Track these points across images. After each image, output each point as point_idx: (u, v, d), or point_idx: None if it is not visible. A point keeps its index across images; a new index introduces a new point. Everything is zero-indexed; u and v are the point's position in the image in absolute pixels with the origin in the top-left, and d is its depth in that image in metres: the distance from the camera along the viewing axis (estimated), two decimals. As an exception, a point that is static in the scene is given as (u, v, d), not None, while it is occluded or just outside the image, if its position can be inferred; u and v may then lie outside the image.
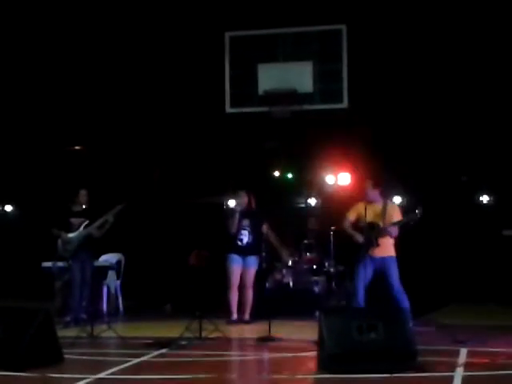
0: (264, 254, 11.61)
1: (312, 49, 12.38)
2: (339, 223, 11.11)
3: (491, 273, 14.82)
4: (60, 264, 12.01)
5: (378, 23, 13.16)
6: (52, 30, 13.83)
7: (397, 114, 14.37)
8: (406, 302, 10.26)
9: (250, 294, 11.93)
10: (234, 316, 11.85)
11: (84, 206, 12.05)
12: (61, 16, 13.69)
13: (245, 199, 11.98)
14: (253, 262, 11.94)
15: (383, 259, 10.39)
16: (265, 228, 11.95)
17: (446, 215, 15.35)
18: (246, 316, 11.88)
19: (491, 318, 12.40)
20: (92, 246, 11.85)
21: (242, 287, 11.94)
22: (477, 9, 12.86)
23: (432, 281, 14.54)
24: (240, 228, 11.90)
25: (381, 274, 10.45)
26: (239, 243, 11.92)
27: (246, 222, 11.94)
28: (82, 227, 11.83)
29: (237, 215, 11.86)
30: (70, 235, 11.80)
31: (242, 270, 11.94)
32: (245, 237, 11.92)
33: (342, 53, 12.24)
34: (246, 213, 11.96)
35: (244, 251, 11.93)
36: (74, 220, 11.97)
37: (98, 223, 11.72)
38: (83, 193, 12.09)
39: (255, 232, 11.92)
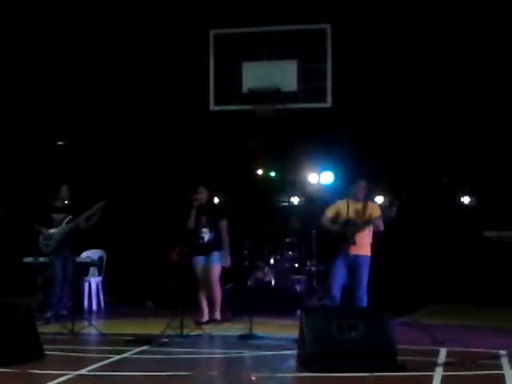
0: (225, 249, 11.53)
1: (296, 48, 12.38)
2: (318, 222, 11.06)
3: (472, 274, 14.89)
4: (41, 259, 11.97)
5: (362, 23, 13.20)
6: (37, 30, 13.79)
7: (380, 114, 14.43)
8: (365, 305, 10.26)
9: (216, 291, 11.63)
10: (205, 318, 11.58)
11: (66, 202, 12.03)
12: (45, 15, 13.65)
13: (204, 195, 11.72)
14: (215, 259, 11.60)
15: (357, 257, 10.33)
16: (222, 225, 11.68)
17: (428, 216, 15.42)
18: (216, 315, 11.62)
19: (471, 318, 12.47)
20: (74, 242, 11.82)
21: (207, 286, 11.65)
22: (461, 8, 12.91)
23: (413, 281, 14.60)
24: (200, 225, 11.65)
25: (351, 271, 10.37)
26: (200, 241, 11.62)
27: (204, 219, 11.65)
28: (65, 223, 11.80)
29: (193, 211, 11.59)
30: (52, 231, 11.78)
31: (205, 268, 11.64)
32: (206, 234, 11.61)
33: (327, 52, 12.25)
34: (206, 210, 11.70)
35: (206, 249, 11.63)
36: (56, 215, 11.94)
37: (86, 215, 11.67)
38: (65, 188, 12.06)
39: (216, 229, 11.64)
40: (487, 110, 14.13)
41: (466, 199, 15.99)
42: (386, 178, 14.82)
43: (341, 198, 10.73)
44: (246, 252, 11.87)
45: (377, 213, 10.47)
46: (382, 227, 10.45)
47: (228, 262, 11.63)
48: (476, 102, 14.07)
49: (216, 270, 11.62)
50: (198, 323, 11.20)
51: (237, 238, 13.53)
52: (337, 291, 10.34)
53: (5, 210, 16.69)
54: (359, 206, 10.46)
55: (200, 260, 11.67)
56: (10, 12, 13.52)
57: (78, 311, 11.85)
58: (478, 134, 14.55)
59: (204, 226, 11.63)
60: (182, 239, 11.84)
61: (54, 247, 11.73)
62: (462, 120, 14.38)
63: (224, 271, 11.86)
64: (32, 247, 11.98)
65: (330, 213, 10.63)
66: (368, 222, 10.37)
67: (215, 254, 11.62)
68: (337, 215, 10.56)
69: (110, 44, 14.16)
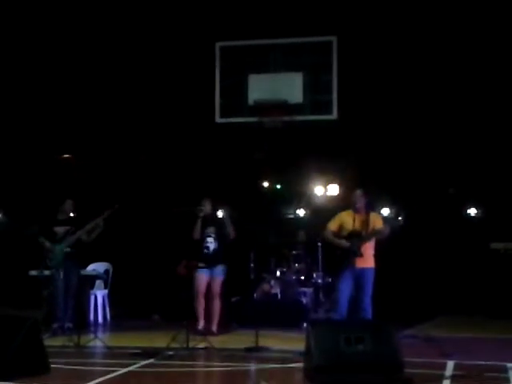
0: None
1: (303, 60, 12.38)
2: (322, 234, 11.02)
3: (479, 285, 14.85)
4: (47, 272, 11.98)
5: (368, 35, 13.21)
6: (40, 41, 13.82)
7: (386, 126, 14.41)
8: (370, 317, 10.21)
9: (217, 305, 11.77)
10: (201, 324, 11.67)
11: (70, 215, 12.06)
12: (47, 27, 13.67)
13: (208, 207, 11.85)
14: (219, 272, 11.77)
15: (363, 270, 10.29)
16: (231, 233, 11.83)
17: (434, 227, 15.39)
18: (214, 327, 11.71)
19: (478, 330, 12.41)
20: (78, 255, 11.81)
21: (209, 298, 11.78)
22: (467, 24, 12.92)
23: (420, 293, 14.57)
24: (205, 235, 11.79)
25: (357, 284, 10.32)
26: (205, 251, 11.76)
27: (210, 230, 11.81)
28: (67, 235, 11.78)
29: (199, 222, 11.73)
30: (53, 245, 11.75)
31: (209, 279, 11.77)
32: (211, 244, 11.78)
33: (333, 64, 12.24)
34: (210, 220, 11.84)
35: (210, 260, 11.75)
36: (58, 229, 11.94)
37: (88, 227, 11.68)
38: (69, 202, 12.09)
39: (220, 239, 11.80)
40: (493, 122, 14.11)
41: (472, 211, 15.94)
42: (392, 189, 14.78)
43: (343, 210, 10.68)
44: (252, 264, 11.86)
45: (379, 223, 10.42)
46: (387, 231, 10.37)
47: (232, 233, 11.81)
48: (482, 114, 14.05)
49: (219, 283, 11.75)
50: (195, 331, 11.20)
51: (243, 250, 13.53)
52: (344, 305, 10.30)
53: (10, 223, 16.75)
54: (362, 216, 10.42)
55: (204, 271, 11.73)
56: (15, 21, 13.56)
57: (83, 324, 11.82)
58: (484, 145, 14.53)
59: (209, 236, 11.76)
60: (188, 252, 11.85)
61: (56, 260, 11.71)
62: (468, 132, 14.36)
63: (230, 283, 11.90)
64: (38, 260, 11.97)
65: (332, 226, 10.57)
66: (373, 233, 10.32)
67: (219, 268, 11.75)
68: (340, 227, 10.51)
69: (116, 56, 14.19)
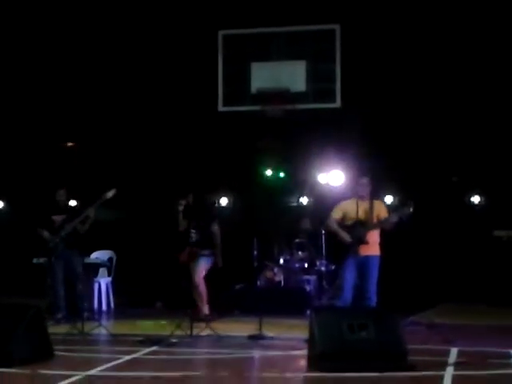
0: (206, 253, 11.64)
1: (305, 48, 12.38)
2: (325, 223, 11.00)
3: (482, 273, 14.86)
4: (42, 261, 12.02)
5: (371, 23, 13.18)
6: (45, 29, 13.81)
7: (389, 115, 14.40)
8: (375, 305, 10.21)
9: (200, 288, 11.64)
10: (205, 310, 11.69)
11: (66, 204, 12.10)
12: (53, 15, 13.67)
13: (191, 200, 11.87)
14: (199, 262, 11.67)
15: (367, 257, 10.25)
16: (213, 228, 11.84)
17: (437, 215, 15.39)
18: (205, 310, 11.60)
19: (481, 317, 12.43)
20: (77, 243, 11.83)
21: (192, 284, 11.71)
22: (471, 12, 12.89)
23: (423, 280, 14.59)
24: (190, 226, 11.79)
25: (361, 271, 10.29)
26: (190, 241, 11.74)
27: (195, 222, 11.81)
28: (65, 224, 11.79)
29: (180, 215, 11.75)
30: (51, 234, 11.77)
31: (191, 267, 11.69)
32: (194, 235, 11.76)
33: (336, 52, 12.25)
34: (195, 211, 11.84)
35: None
36: (55, 217, 11.96)
37: (79, 219, 11.68)
38: (61, 192, 12.10)
39: (204, 230, 11.79)
40: (497, 110, 14.09)
41: (475, 199, 15.93)
42: (396, 178, 14.78)
43: (347, 198, 10.64)
44: (255, 252, 11.86)
45: (383, 212, 10.38)
46: (394, 220, 10.28)
47: (220, 262, 11.80)
48: (486, 101, 14.03)
49: (200, 269, 11.67)
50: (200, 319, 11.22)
51: (246, 238, 13.54)
52: (348, 292, 10.28)
53: (13, 211, 16.78)
54: (366, 204, 10.38)
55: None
56: (17, 11, 13.55)
57: (87, 312, 11.85)
58: (487, 133, 14.51)
59: (193, 228, 11.78)
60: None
61: (53, 250, 11.72)
62: (471, 120, 14.34)
63: (234, 271, 11.91)
64: (42, 248, 11.99)
65: (336, 214, 10.50)
66: (379, 223, 10.28)
67: (200, 258, 11.68)
68: (344, 216, 10.47)
69: (119, 45, 14.18)
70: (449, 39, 13.32)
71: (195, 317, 10.88)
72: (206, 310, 11.65)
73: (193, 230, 11.77)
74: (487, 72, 13.55)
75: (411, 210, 10.15)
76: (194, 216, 11.79)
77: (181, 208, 11.73)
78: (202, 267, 11.68)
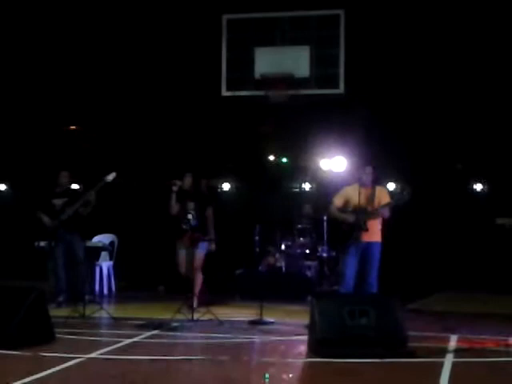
0: (212, 237, 11.45)
1: (309, 33, 12.32)
2: (327, 209, 10.98)
3: (484, 260, 14.87)
4: (43, 244, 12.03)
5: (376, 8, 13.12)
6: (49, 13, 13.77)
7: (393, 101, 14.37)
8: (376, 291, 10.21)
9: (198, 277, 11.37)
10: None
11: (67, 187, 12.10)
12: (54, 2, 13.64)
13: (189, 181, 11.63)
14: (199, 246, 11.37)
15: (369, 244, 10.25)
16: (209, 212, 11.59)
17: (440, 203, 15.38)
18: (195, 300, 10.92)
19: (482, 305, 12.43)
20: (78, 227, 11.83)
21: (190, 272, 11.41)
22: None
23: (424, 268, 14.60)
24: (185, 211, 11.53)
25: (362, 258, 10.28)
26: (185, 226, 11.46)
27: (191, 205, 11.54)
28: (66, 207, 11.78)
29: (173, 196, 11.48)
30: (49, 219, 11.78)
31: (189, 254, 11.42)
32: (191, 220, 11.45)
33: (340, 38, 12.19)
34: (191, 195, 11.59)
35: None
36: (56, 201, 11.96)
37: (79, 202, 11.66)
38: (64, 174, 12.09)
39: (201, 215, 11.54)
40: (501, 97, 14.05)
41: (478, 186, 15.92)
42: (399, 164, 14.76)
43: (349, 185, 10.64)
44: (257, 238, 11.89)
45: (385, 199, 10.38)
46: (387, 214, 10.32)
47: (213, 247, 11.54)
48: (490, 89, 13.99)
49: (200, 257, 11.47)
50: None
51: (248, 223, 13.56)
52: (350, 278, 10.29)
53: (16, 195, 16.81)
54: (368, 191, 10.38)
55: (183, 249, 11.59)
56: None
57: (89, 295, 11.87)
58: (492, 121, 14.48)
59: (189, 212, 11.51)
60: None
61: (54, 233, 11.73)
62: (475, 107, 14.31)
63: (236, 256, 11.86)
64: (43, 232, 12.00)
65: (338, 201, 10.51)
66: (376, 211, 10.27)
67: (199, 243, 11.42)
68: (346, 202, 10.47)
69: (122, 28, 14.14)
70: (454, 26, 13.26)
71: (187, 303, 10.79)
72: (195, 302, 10.95)
73: (189, 214, 11.53)
74: (493, 59, 13.49)
75: (407, 196, 10.14)
76: (192, 199, 11.60)
77: (175, 189, 11.47)
78: (202, 253, 11.54)
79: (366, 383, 6.96)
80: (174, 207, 11.57)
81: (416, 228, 14.96)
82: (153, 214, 15.45)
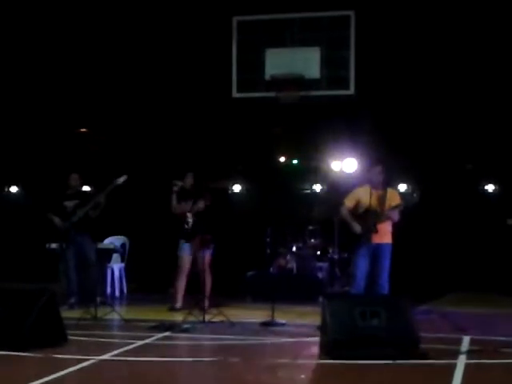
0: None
1: (320, 34, 12.32)
2: (337, 210, 10.98)
3: (495, 261, 14.84)
4: (54, 246, 12.07)
5: (386, 10, 13.11)
6: (59, 14, 13.79)
7: (403, 102, 14.35)
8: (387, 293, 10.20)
9: (207, 278, 11.46)
10: (179, 305, 11.52)
11: (78, 189, 12.14)
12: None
13: (190, 180, 11.65)
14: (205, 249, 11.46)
15: (379, 245, 10.26)
16: (199, 206, 11.52)
17: (451, 204, 15.36)
18: (206, 302, 10.94)
19: (494, 306, 12.41)
20: (89, 229, 11.86)
21: (198, 272, 11.52)
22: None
23: (435, 269, 14.58)
24: (186, 211, 11.58)
25: (373, 259, 10.30)
26: (186, 226, 11.56)
27: (190, 204, 11.58)
28: (77, 209, 11.82)
29: (174, 196, 11.57)
30: (62, 220, 11.81)
31: (193, 256, 11.58)
32: (190, 219, 11.57)
33: (350, 39, 12.19)
34: (192, 195, 11.59)
35: (191, 235, 11.56)
36: (67, 203, 12.00)
37: (90, 204, 11.70)
38: (74, 177, 12.13)
39: (200, 214, 11.55)
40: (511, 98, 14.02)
41: (489, 187, 15.89)
42: (409, 165, 14.75)
43: (361, 186, 10.65)
44: (268, 239, 11.87)
45: (395, 201, 10.38)
46: (396, 218, 10.34)
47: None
48: (501, 90, 13.95)
49: (207, 257, 11.52)
50: (173, 309, 11.36)
51: (259, 225, 13.55)
52: (361, 280, 10.31)
53: (28, 197, 16.86)
54: (379, 192, 10.38)
55: (186, 246, 11.65)
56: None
57: (101, 297, 11.90)
58: (501, 120, 14.44)
59: (189, 212, 11.57)
60: (204, 226, 11.83)
61: (65, 236, 11.77)
62: (486, 107, 14.28)
63: (247, 258, 11.84)
64: (54, 233, 12.04)
65: (349, 202, 10.52)
66: (385, 214, 10.27)
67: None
68: (357, 204, 10.48)
69: (133, 31, 14.15)
70: (465, 26, 13.24)
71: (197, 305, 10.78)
72: (206, 302, 11.00)
73: (189, 214, 11.51)
74: (505, 59, 13.46)
75: (416, 199, 10.16)
76: (192, 199, 11.56)
77: (175, 189, 11.55)
78: (207, 257, 11.56)
79: (378, 384, 6.96)
80: (176, 207, 11.63)
81: (427, 229, 14.95)
82: (163, 215, 15.48)
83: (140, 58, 14.38)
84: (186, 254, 11.69)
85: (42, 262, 13.59)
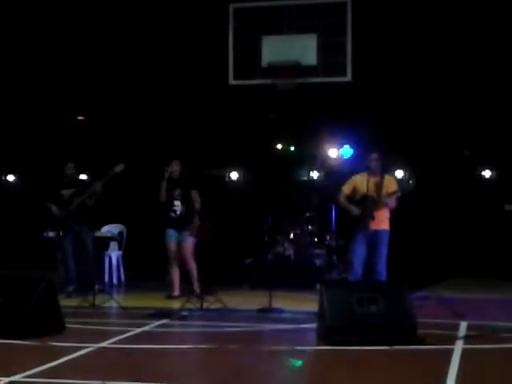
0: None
1: (316, 21, 12.28)
2: (335, 197, 11.00)
3: (492, 247, 14.85)
4: (51, 235, 12.08)
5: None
6: (57, 5, 13.77)
7: (400, 89, 14.33)
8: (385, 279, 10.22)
9: (192, 266, 11.49)
10: (176, 293, 11.56)
11: (75, 177, 12.13)
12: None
13: (177, 168, 11.60)
14: (188, 237, 11.50)
15: (376, 232, 10.29)
16: (194, 195, 11.51)
17: (449, 189, 15.37)
18: (195, 287, 11.28)
19: (491, 291, 12.44)
20: (86, 217, 11.85)
21: (183, 261, 11.59)
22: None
23: (433, 255, 14.60)
24: (171, 198, 11.57)
25: (371, 246, 10.33)
26: (173, 215, 11.56)
27: (177, 192, 11.56)
28: (74, 197, 11.81)
29: (164, 184, 11.51)
30: (59, 209, 11.81)
31: (178, 244, 11.61)
32: (177, 208, 11.55)
33: (347, 26, 12.15)
34: (178, 182, 11.58)
35: (178, 223, 11.55)
36: (64, 191, 12.00)
37: (87, 193, 11.69)
38: (70, 165, 12.12)
39: (187, 202, 11.54)
40: (510, 83, 14.00)
41: (487, 173, 15.89)
42: (407, 152, 14.75)
43: (358, 173, 10.66)
44: (265, 226, 11.87)
45: (392, 187, 10.39)
46: (393, 205, 10.36)
47: (195, 230, 11.41)
48: (498, 76, 13.94)
49: (189, 246, 11.53)
50: (170, 297, 11.39)
51: (257, 212, 13.56)
52: (358, 266, 10.34)
53: (25, 185, 16.85)
54: (376, 179, 10.39)
55: (172, 233, 11.64)
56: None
57: (98, 285, 11.90)
58: (499, 107, 14.44)
59: (176, 199, 11.57)
60: (202, 214, 11.83)
61: (62, 224, 11.77)
62: (484, 94, 14.26)
63: (244, 245, 11.84)
64: (51, 222, 12.04)
65: (346, 189, 10.56)
66: (382, 201, 10.28)
67: (187, 232, 11.49)
68: (354, 190, 10.50)
69: (129, 18, 14.12)
70: (462, 12, 13.21)
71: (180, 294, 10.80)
72: (196, 287, 11.29)
73: (176, 202, 11.54)
74: (504, 46, 13.43)
75: (412, 186, 10.20)
76: (178, 186, 11.57)
77: (167, 175, 11.51)
78: (190, 246, 11.57)
79: (376, 370, 6.96)
80: (164, 195, 11.60)
81: (425, 215, 14.95)
82: (162, 203, 15.49)
83: (137, 47, 14.35)
84: (171, 241, 11.66)
85: (39, 250, 13.58)
